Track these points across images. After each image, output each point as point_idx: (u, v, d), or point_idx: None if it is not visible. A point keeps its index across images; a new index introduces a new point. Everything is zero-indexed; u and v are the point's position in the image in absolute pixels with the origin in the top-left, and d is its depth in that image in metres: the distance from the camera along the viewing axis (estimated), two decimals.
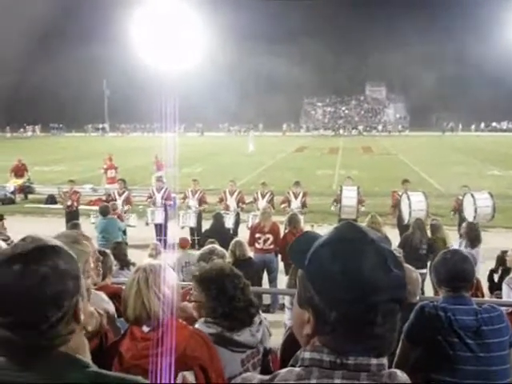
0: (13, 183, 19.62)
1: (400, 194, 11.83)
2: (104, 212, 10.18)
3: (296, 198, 12.11)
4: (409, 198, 11.02)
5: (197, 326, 2.54)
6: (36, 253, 1.22)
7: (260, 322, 2.66)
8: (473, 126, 70.60)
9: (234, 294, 2.56)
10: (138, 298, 2.22)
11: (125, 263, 6.51)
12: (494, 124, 73.86)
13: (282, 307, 7.42)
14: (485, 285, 6.74)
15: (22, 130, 76.08)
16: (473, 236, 7.69)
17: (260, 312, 2.74)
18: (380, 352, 1.10)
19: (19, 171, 20.44)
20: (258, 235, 8.85)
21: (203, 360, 2.20)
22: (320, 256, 1.13)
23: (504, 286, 5.59)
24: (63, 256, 1.24)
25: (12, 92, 73.73)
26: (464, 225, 8.28)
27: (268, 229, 8.81)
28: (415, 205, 10.89)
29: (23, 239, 1.26)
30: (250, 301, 2.62)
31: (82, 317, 1.26)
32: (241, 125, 75.50)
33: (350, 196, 11.64)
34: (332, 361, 1.09)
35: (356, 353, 1.08)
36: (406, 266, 3.73)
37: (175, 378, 2.09)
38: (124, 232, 10.87)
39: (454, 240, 8.46)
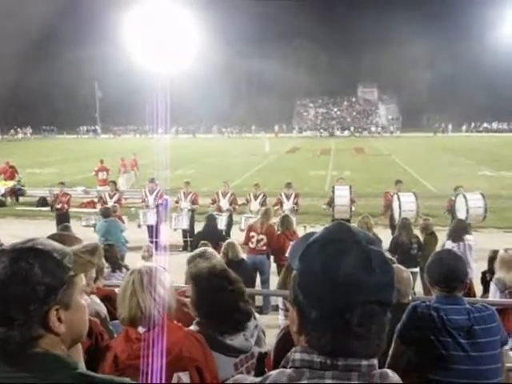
0: (2, 185, 19.51)
1: (392, 194, 11.89)
2: (105, 214, 10.12)
3: (288, 199, 12.12)
4: (399, 199, 11.09)
5: (191, 327, 2.55)
6: (17, 253, 1.24)
7: (256, 326, 2.66)
8: (464, 127, 71.00)
9: (218, 296, 2.54)
10: (132, 299, 2.23)
11: (117, 266, 6.49)
12: (485, 125, 74.35)
13: (275, 308, 7.42)
14: (477, 286, 6.79)
15: (13, 131, 75.61)
16: (456, 230, 7.75)
17: (255, 317, 2.72)
18: (366, 354, 1.10)
19: (6, 173, 20.37)
20: (252, 234, 8.84)
21: (199, 361, 2.21)
22: (306, 255, 1.14)
23: (492, 286, 5.62)
24: (44, 262, 1.23)
25: (3, 94, 73.27)
26: (452, 222, 8.37)
27: (263, 229, 8.79)
28: (405, 205, 10.96)
29: (28, 240, 1.29)
30: (238, 307, 2.58)
31: (62, 328, 1.24)
32: (233, 126, 75.48)
33: (342, 195, 11.65)
34: (322, 362, 1.09)
35: (343, 354, 1.08)
36: (397, 265, 3.72)
37: (170, 378, 2.10)
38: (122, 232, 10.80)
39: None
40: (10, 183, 19.82)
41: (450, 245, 7.59)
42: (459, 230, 7.78)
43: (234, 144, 52.59)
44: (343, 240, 1.12)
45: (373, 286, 1.08)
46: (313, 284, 1.09)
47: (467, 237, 7.86)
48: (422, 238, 8.44)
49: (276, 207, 12.04)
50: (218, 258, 4.91)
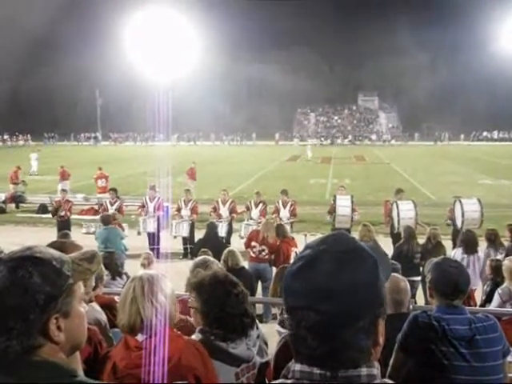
0: (12, 189, 19.90)
1: (392, 202, 11.90)
2: (105, 221, 10.09)
3: (285, 207, 12.12)
4: (398, 207, 11.09)
5: (193, 336, 2.54)
6: (15, 262, 1.23)
7: (258, 336, 2.65)
8: (464, 136, 71.02)
9: (226, 301, 2.55)
10: (133, 306, 2.23)
11: (117, 273, 6.47)
12: (485, 133, 74.37)
13: (276, 317, 7.40)
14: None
15: (14, 138, 75.68)
16: (469, 243, 7.70)
17: (258, 326, 2.71)
18: (364, 363, 1.09)
19: (16, 179, 20.65)
20: (253, 244, 8.84)
21: (198, 370, 2.20)
22: (285, 275, 1.17)
23: (496, 295, 5.61)
24: (43, 271, 1.22)
25: (4, 101, 73.50)
26: (462, 232, 8.33)
27: (265, 241, 8.75)
28: (404, 213, 10.97)
29: (26, 248, 1.28)
30: (245, 310, 2.60)
31: (61, 337, 1.24)
32: (234, 134, 75.55)
33: (344, 205, 11.61)
34: (322, 373, 1.08)
35: (342, 365, 1.08)
36: (395, 275, 3.69)
37: None
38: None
39: (448, 248, 8.50)
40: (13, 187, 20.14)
41: (459, 256, 7.56)
42: (470, 242, 7.72)
43: (235, 151, 52.59)
44: (312, 251, 1.13)
45: (340, 293, 1.07)
46: (285, 292, 1.13)
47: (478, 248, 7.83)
48: (428, 247, 8.38)
49: (274, 215, 12.05)
50: (218, 265, 4.91)
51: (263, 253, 8.73)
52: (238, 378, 2.50)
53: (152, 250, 10.43)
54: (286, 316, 1.16)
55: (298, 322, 1.09)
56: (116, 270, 6.46)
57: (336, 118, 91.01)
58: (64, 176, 21.50)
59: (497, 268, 6.14)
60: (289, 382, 1.12)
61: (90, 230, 12.11)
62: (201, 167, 33.86)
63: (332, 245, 1.13)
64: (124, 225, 12.53)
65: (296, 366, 1.13)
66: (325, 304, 1.06)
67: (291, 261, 7.99)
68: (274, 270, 8.85)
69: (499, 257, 7.30)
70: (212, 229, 10.51)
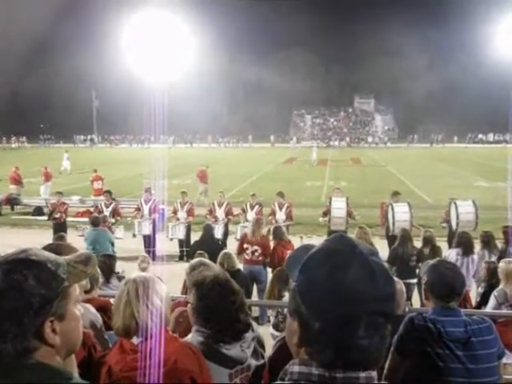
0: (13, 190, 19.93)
1: (387, 205, 11.91)
2: (94, 223, 10.05)
3: (281, 209, 12.13)
4: (393, 209, 11.10)
5: (189, 335, 2.54)
6: (10, 264, 1.22)
7: (253, 338, 2.64)
8: (460, 138, 71.28)
9: (219, 304, 2.55)
10: (127, 309, 2.22)
11: (111, 275, 6.44)
12: (480, 136, 74.64)
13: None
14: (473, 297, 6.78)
15: (11, 140, 75.47)
16: (465, 244, 7.71)
17: (254, 329, 2.71)
18: (365, 366, 1.10)
19: (15, 180, 20.63)
20: (245, 246, 8.83)
21: (194, 372, 2.20)
22: (308, 266, 1.14)
23: (492, 297, 5.61)
24: (38, 273, 1.22)
25: (2, 103, 73.19)
26: (457, 234, 8.34)
27: (256, 240, 8.77)
28: (399, 215, 10.97)
29: (20, 250, 1.27)
30: (238, 317, 2.59)
31: (57, 339, 1.23)
32: (230, 136, 75.58)
33: (339, 207, 11.61)
34: (321, 374, 1.08)
35: (342, 366, 1.08)
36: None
37: None
38: (112, 244, 10.76)
39: (444, 250, 8.51)
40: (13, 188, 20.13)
41: (454, 257, 7.56)
42: (466, 243, 7.72)
43: (231, 154, 52.56)
44: (346, 251, 1.12)
45: (377, 297, 1.08)
46: (316, 295, 1.09)
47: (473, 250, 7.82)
48: (426, 250, 8.35)
49: (270, 217, 12.06)
50: (215, 268, 4.90)
51: (256, 253, 8.71)
52: (231, 379, 2.50)
53: (148, 252, 10.41)
54: (299, 322, 1.13)
55: (319, 328, 1.08)
56: (111, 273, 6.44)
57: (332, 120, 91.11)
58: (47, 177, 21.44)
59: (492, 270, 6.15)
60: (286, 383, 1.12)
61: (85, 233, 12.06)
62: (197, 169, 33.86)
63: (349, 247, 1.14)
64: (120, 227, 12.49)
65: (294, 368, 1.12)
66: (357, 309, 1.06)
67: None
68: (270, 271, 8.90)
69: (493, 258, 7.31)
70: (208, 231, 10.49)
